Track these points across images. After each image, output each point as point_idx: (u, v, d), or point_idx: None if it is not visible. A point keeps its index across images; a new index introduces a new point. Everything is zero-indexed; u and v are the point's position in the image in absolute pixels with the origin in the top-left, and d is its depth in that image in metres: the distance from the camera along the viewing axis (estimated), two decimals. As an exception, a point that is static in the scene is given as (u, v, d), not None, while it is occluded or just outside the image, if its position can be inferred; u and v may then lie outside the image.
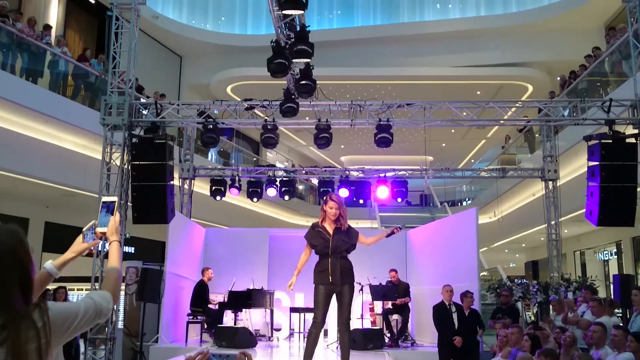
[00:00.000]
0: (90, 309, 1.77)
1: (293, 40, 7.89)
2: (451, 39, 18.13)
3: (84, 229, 2.22)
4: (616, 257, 16.31)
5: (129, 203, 8.55)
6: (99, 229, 2.21)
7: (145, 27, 16.56)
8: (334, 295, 5.70)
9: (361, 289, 10.05)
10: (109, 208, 2.26)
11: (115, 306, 8.27)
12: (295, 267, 5.98)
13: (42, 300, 1.62)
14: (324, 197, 6.08)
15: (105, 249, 8.55)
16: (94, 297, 1.82)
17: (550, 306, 9.13)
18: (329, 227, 5.68)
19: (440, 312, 8.05)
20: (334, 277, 5.55)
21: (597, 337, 5.89)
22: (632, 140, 8.30)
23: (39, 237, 12.26)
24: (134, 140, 8.63)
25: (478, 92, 18.78)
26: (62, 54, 11.51)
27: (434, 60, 18.33)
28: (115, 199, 2.32)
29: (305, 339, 5.85)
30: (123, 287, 10.50)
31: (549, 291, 9.99)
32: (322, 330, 10.46)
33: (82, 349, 9.00)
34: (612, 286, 11.07)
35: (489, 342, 8.75)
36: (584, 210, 8.76)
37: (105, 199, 2.32)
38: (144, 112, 9.28)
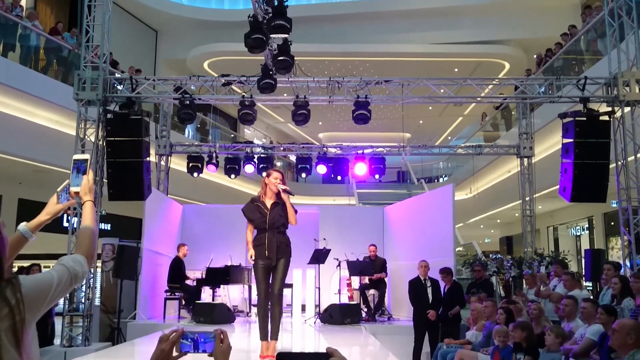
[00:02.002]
0: (64, 276, 1.71)
1: (271, 15, 7.79)
2: (429, 16, 18.08)
3: (58, 190, 2.13)
4: (588, 232, 16.67)
5: (104, 180, 8.45)
6: (73, 189, 2.11)
7: (120, 0, 16.19)
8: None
9: (339, 265, 10.15)
10: (80, 167, 2.15)
11: (92, 281, 8.22)
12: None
13: (14, 276, 1.58)
14: (265, 172, 5.92)
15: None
16: (66, 263, 1.76)
17: (524, 280, 9.33)
18: (268, 202, 5.60)
19: (416, 287, 8.18)
20: (270, 252, 5.49)
21: (568, 310, 6.05)
22: (606, 117, 8.43)
23: (12, 214, 12.08)
24: (108, 116, 8.50)
25: (456, 70, 18.84)
26: (33, 27, 11.22)
27: (412, 37, 18.30)
28: (87, 156, 2.20)
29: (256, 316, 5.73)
30: (99, 264, 10.44)
31: (522, 266, 10.20)
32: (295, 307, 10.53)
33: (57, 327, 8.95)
34: (583, 260, 11.33)
35: (464, 316, 8.91)
36: (557, 186, 8.91)
37: (76, 157, 2.19)
38: (119, 87, 9.13)
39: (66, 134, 10.74)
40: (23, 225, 2.05)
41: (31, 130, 10.61)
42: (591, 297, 6.72)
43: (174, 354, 1.71)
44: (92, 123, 8.57)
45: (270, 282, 5.59)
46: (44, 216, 2.09)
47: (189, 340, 1.74)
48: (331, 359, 1.13)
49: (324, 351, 1.16)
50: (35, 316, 1.60)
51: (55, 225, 2.18)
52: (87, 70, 8.60)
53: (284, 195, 5.52)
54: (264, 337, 5.47)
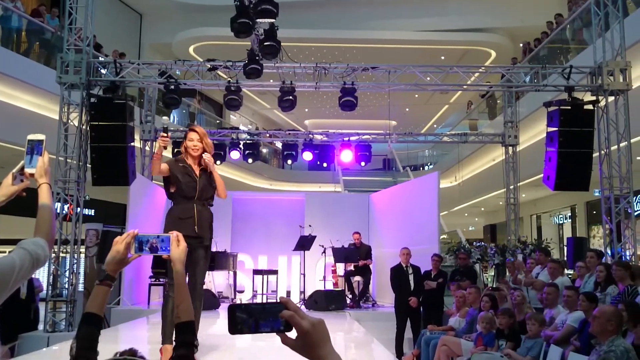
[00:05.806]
0: (25, 260, 1.67)
1: (257, -1, 7.71)
2: (416, 3, 18.04)
3: (13, 170, 2.02)
4: (570, 220, 16.86)
5: (88, 164, 8.36)
6: (27, 170, 2.00)
7: (103, -18, 15.93)
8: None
9: (324, 252, 10.17)
10: (34, 148, 2.04)
11: (76, 267, 8.15)
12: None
13: None
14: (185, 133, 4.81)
15: (64, 212, 8.39)
16: (27, 247, 1.71)
17: (507, 268, 9.42)
18: (194, 166, 4.63)
19: (398, 274, 8.21)
20: (200, 229, 4.44)
21: (551, 298, 6.12)
22: (590, 107, 8.49)
23: (-7, 199, 11.91)
24: (92, 100, 8.39)
25: (442, 57, 18.83)
26: (14, 9, 11.00)
27: (399, 24, 18.23)
28: (43, 137, 2.05)
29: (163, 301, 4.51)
30: (83, 250, 10.36)
31: (505, 253, 10.29)
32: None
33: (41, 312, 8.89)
34: (565, 248, 11.47)
35: (448, 303, 8.98)
36: (541, 175, 8.98)
37: (31, 137, 2.05)
38: (103, 71, 9.01)
39: (49, 117, 10.59)
40: None
41: (12, 114, 10.44)
42: (572, 284, 6.80)
43: (129, 255, 1.83)
44: (76, 107, 8.46)
45: (190, 269, 4.39)
46: None
47: (148, 244, 1.87)
48: (284, 312, 1.14)
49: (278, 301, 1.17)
50: None
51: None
52: (70, 53, 8.47)
53: (206, 163, 4.65)
54: (168, 339, 4.15)
